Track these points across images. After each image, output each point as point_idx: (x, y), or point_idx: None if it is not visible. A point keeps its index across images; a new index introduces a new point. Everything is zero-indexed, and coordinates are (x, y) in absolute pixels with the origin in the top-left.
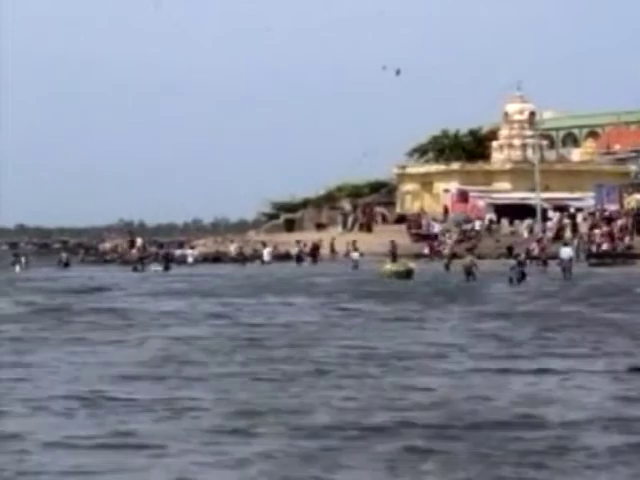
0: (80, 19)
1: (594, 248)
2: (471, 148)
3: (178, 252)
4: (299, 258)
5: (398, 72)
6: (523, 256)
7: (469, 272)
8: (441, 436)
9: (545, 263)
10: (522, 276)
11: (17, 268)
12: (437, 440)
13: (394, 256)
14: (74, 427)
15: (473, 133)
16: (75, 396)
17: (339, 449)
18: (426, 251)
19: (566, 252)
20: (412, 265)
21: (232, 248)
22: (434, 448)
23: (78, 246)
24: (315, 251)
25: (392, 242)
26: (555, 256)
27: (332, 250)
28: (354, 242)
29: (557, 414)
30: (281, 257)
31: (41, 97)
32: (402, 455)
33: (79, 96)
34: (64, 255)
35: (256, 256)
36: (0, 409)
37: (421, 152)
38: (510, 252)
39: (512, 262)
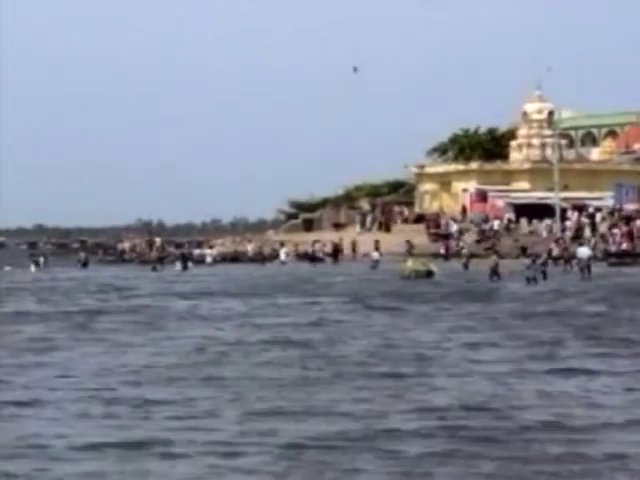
0: (84, 19)
1: (614, 248)
2: (489, 147)
3: (197, 252)
4: (313, 258)
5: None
6: (545, 256)
7: (494, 272)
8: (461, 438)
9: (568, 263)
10: (543, 275)
11: (33, 268)
12: (456, 443)
13: (411, 255)
14: (91, 429)
15: (491, 132)
16: (93, 397)
17: (356, 452)
18: (442, 251)
19: (584, 252)
20: (433, 267)
21: (249, 248)
22: (453, 450)
23: (96, 246)
24: (336, 251)
25: (408, 242)
26: (574, 256)
27: (354, 250)
28: (377, 242)
29: (579, 415)
30: (301, 257)
31: (57, 97)
32: (420, 459)
33: (95, 96)
34: (82, 255)
35: (275, 256)
36: (22, 412)
37: (441, 151)
38: (524, 252)
39: (527, 261)
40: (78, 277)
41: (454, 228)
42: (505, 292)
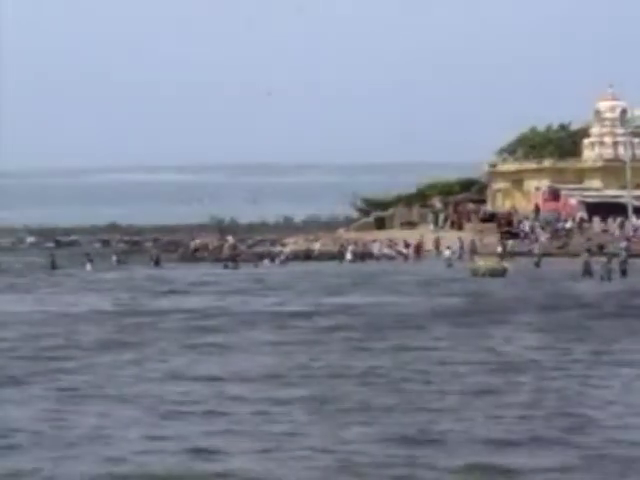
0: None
1: None
2: (562, 144)
3: (269, 250)
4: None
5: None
6: (624, 254)
7: (587, 270)
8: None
9: None
10: (623, 273)
11: (88, 267)
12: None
13: (474, 254)
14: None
15: (564, 127)
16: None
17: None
18: (499, 250)
19: None
20: (506, 264)
21: (316, 246)
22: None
23: (169, 244)
24: (418, 249)
25: (472, 241)
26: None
27: (437, 248)
28: (460, 239)
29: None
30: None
31: (129, 98)
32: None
33: (169, 97)
34: (154, 253)
35: (342, 254)
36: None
37: (511, 150)
38: (601, 250)
39: (603, 259)
40: (154, 276)
41: (528, 227)
42: (579, 292)
